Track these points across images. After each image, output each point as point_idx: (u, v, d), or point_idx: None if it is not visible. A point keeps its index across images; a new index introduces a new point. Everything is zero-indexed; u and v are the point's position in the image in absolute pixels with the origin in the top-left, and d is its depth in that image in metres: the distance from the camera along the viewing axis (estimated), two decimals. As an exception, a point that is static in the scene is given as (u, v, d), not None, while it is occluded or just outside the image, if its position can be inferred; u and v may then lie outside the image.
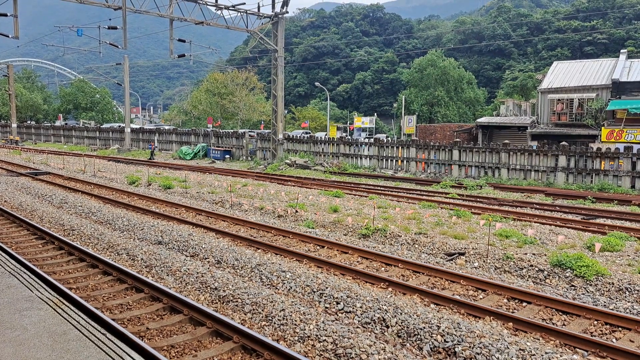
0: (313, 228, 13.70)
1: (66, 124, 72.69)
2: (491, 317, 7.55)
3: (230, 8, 29.68)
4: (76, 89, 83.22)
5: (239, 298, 8.07)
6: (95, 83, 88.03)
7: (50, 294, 4.89)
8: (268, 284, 8.99)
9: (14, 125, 58.23)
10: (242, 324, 7.22)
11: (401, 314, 7.36)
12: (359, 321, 7.42)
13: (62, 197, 17.88)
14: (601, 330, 7.31)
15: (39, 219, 14.56)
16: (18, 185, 20.83)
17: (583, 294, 8.79)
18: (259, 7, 31.12)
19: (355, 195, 20.09)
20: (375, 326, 7.25)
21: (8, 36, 24.18)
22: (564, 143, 24.79)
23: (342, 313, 7.70)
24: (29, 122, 79.22)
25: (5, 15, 23.21)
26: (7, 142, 55.38)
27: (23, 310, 4.33)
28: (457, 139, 31.77)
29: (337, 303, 7.95)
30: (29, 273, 5.52)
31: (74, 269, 9.82)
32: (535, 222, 14.78)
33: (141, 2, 26.81)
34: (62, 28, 33.01)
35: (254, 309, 7.69)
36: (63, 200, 17.37)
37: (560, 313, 7.88)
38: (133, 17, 28.90)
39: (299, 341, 6.73)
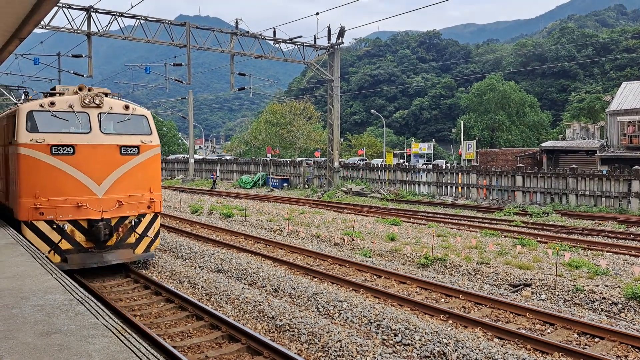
0: (370, 257, 13.55)
1: (135, 156, 76.56)
2: (560, 353, 7.11)
3: (288, 41, 30.56)
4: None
5: (295, 327, 8.06)
6: (162, 117, 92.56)
7: (115, 321, 5.09)
8: (324, 314, 8.92)
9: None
10: (298, 354, 7.18)
11: (462, 347, 7.08)
12: (417, 354, 7.19)
13: (130, 226, 18.70)
14: (686, 371, 6.71)
15: (108, 247, 15.26)
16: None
17: (664, 330, 8.12)
18: (315, 40, 31.84)
19: (413, 223, 19.75)
20: (435, 360, 7.00)
21: (83, 75, 25.99)
22: (636, 167, 23.38)
23: (400, 345, 7.50)
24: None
25: (81, 56, 25.01)
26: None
27: (89, 337, 4.53)
28: (520, 164, 30.70)
29: (395, 335, 7.76)
30: (95, 300, 5.79)
31: (138, 296, 10.19)
32: (607, 251, 13.91)
33: (204, 39, 28.14)
34: (131, 67, 35.13)
35: (310, 339, 7.64)
36: (130, 229, 18.16)
37: (637, 350, 7.31)
38: (197, 53, 30.36)
39: (356, 374, 6.60)
